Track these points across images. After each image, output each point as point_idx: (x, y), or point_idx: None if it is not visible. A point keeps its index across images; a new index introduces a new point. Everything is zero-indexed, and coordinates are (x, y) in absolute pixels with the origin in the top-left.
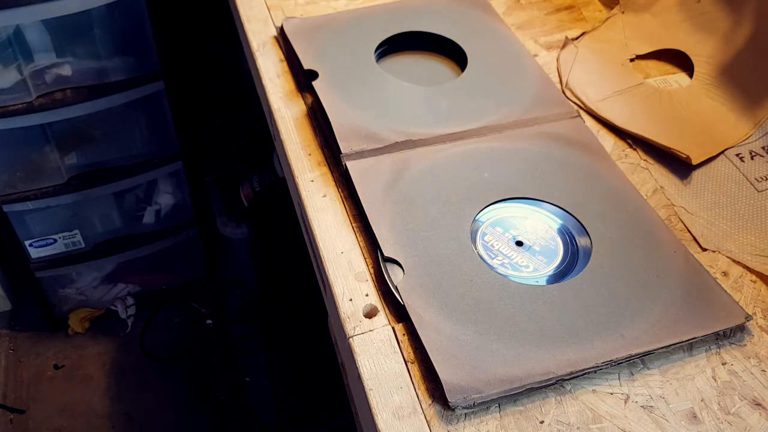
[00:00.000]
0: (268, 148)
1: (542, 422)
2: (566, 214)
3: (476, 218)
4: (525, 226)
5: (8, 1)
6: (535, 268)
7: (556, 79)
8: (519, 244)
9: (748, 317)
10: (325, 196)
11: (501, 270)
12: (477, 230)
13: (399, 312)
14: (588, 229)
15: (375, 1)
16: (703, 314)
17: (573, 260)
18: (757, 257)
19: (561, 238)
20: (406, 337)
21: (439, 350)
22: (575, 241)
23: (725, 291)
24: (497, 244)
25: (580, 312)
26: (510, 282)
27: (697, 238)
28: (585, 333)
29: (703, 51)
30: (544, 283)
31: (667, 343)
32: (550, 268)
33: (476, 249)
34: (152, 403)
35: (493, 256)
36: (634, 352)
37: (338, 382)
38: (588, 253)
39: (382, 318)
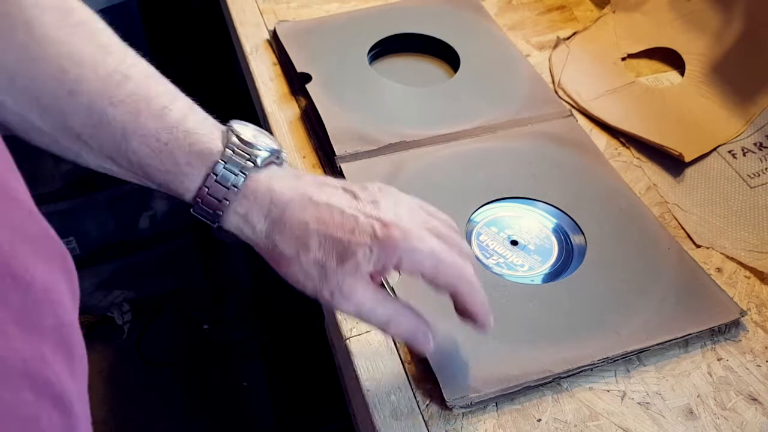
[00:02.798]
0: None
1: (539, 420)
2: (560, 212)
3: (471, 218)
4: (519, 225)
5: None
6: (530, 267)
7: (548, 79)
8: (514, 243)
9: (743, 313)
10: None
11: (496, 269)
12: (472, 230)
13: None
14: (582, 228)
15: (367, 4)
16: (697, 310)
17: (568, 259)
18: (750, 253)
19: (555, 236)
20: None
21: (436, 350)
22: (570, 239)
23: (719, 287)
24: (492, 244)
25: (575, 310)
26: (505, 281)
27: (691, 234)
28: (581, 331)
29: (694, 49)
30: (540, 282)
31: (663, 340)
32: (545, 267)
33: (471, 249)
34: (150, 408)
35: (488, 255)
36: (629, 349)
37: (336, 384)
38: (582, 252)
39: None
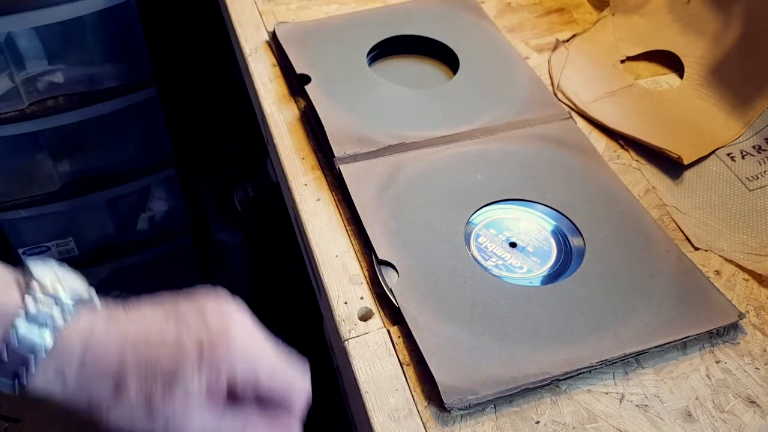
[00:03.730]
0: (261, 153)
1: (538, 422)
2: (559, 215)
3: (470, 220)
4: (518, 227)
5: None
6: (528, 269)
7: (547, 81)
8: (513, 245)
9: (741, 315)
10: (318, 200)
11: (495, 271)
12: (471, 232)
13: (394, 314)
14: (581, 230)
15: (366, 6)
16: (696, 313)
17: (566, 261)
18: (749, 255)
19: (554, 238)
20: (401, 340)
21: (434, 352)
22: (568, 241)
23: (718, 290)
24: (491, 246)
25: (574, 312)
26: (504, 283)
27: (690, 237)
28: (579, 333)
29: (693, 52)
30: (538, 284)
31: (661, 342)
32: (544, 269)
33: (470, 251)
34: None
35: (487, 257)
36: (628, 351)
37: (334, 385)
38: (581, 254)
39: (377, 321)
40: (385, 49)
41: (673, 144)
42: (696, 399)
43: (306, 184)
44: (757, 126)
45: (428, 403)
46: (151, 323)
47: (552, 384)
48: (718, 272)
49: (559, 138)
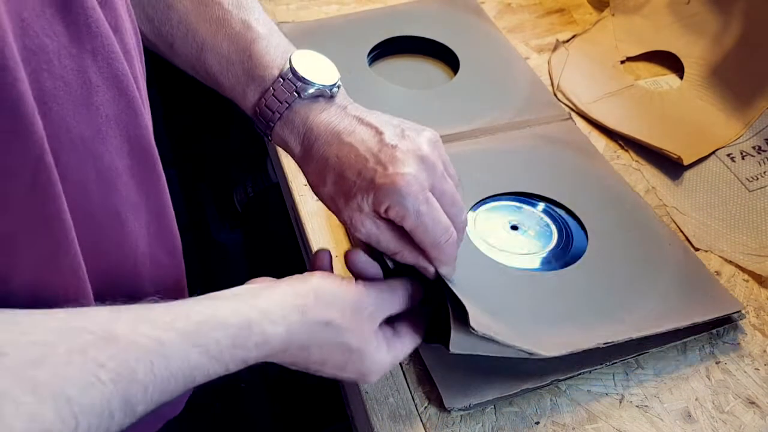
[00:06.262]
0: (261, 153)
1: (537, 423)
2: (560, 208)
3: (470, 211)
4: (520, 215)
5: None
6: (530, 256)
7: (547, 82)
8: (514, 228)
9: (741, 316)
10: (318, 200)
11: (492, 254)
12: (472, 221)
13: None
14: (583, 222)
15: (366, 6)
16: (701, 301)
17: (567, 248)
18: (749, 256)
19: (556, 228)
20: None
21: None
22: (570, 233)
23: (720, 284)
24: (492, 238)
25: (579, 297)
26: (505, 267)
27: (690, 238)
28: (585, 317)
29: (693, 52)
30: (542, 270)
31: (668, 329)
32: (545, 251)
33: (472, 244)
34: None
35: (488, 243)
36: (635, 335)
37: (334, 386)
38: (584, 245)
39: None
40: (385, 49)
41: (673, 144)
42: (696, 400)
43: (306, 184)
44: (757, 126)
45: (428, 403)
46: (359, 135)
47: (552, 384)
48: (718, 273)
49: (559, 138)
